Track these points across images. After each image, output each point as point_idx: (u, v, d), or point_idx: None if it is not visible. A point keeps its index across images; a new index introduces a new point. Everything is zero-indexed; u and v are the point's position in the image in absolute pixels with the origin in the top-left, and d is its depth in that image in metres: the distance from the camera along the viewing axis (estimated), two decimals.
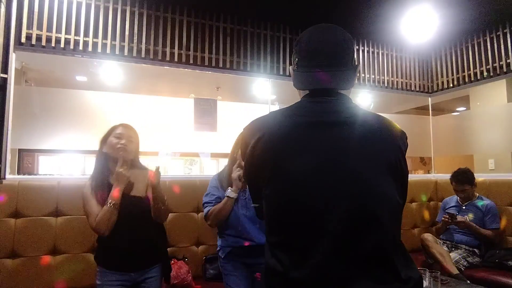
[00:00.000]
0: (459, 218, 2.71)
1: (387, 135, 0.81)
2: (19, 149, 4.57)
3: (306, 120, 0.80)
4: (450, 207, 2.98)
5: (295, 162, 0.76)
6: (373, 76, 3.59)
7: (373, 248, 0.72)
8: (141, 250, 1.71)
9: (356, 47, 3.55)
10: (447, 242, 2.85)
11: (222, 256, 1.92)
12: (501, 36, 3.18)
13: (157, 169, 1.74)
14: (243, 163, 0.94)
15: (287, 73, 3.20)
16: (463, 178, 2.84)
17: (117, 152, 1.70)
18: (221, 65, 2.99)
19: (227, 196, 1.84)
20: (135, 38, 2.69)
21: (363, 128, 0.79)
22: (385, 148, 0.79)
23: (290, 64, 3.20)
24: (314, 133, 0.78)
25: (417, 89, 3.83)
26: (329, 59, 0.84)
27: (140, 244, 1.71)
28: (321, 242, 0.72)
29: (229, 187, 1.87)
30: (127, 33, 2.66)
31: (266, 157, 0.79)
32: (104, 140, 1.77)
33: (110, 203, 1.62)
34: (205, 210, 1.94)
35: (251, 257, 1.90)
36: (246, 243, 1.87)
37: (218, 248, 1.97)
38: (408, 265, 0.77)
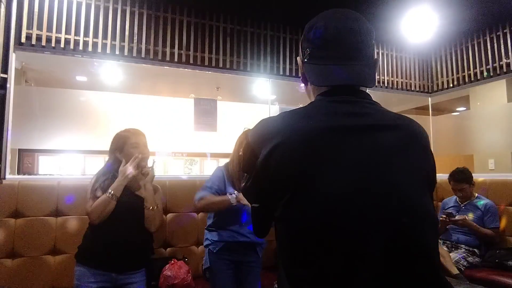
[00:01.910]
0: (457, 216, 2.71)
1: (423, 141, 0.70)
2: (19, 149, 4.56)
3: (334, 124, 0.66)
4: (449, 207, 2.98)
5: (327, 177, 0.62)
6: None
7: (422, 282, 0.61)
8: (126, 250, 1.71)
9: None
10: (447, 242, 2.85)
11: (214, 251, 1.88)
12: (501, 36, 3.18)
13: (152, 165, 1.79)
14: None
15: (287, 73, 3.20)
16: (461, 177, 2.85)
17: (140, 162, 1.79)
18: (221, 65, 2.98)
19: (230, 196, 1.82)
20: (135, 38, 2.69)
21: (400, 134, 0.67)
22: (423, 157, 0.68)
23: (284, 63, 3.21)
24: (347, 141, 0.64)
25: (417, 89, 3.83)
26: (351, 51, 0.72)
27: (127, 244, 1.72)
28: (363, 276, 0.59)
29: (235, 191, 1.85)
30: (127, 33, 2.66)
31: (287, 171, 0.64)
32: (120, 149, 1.82)
33: (110, 193, 1.66)
34: (201, 193, 1.91)
35: (242, 254, 1.89)
36: (241, 239, 1.87)
37: (208, 242, 1.93)
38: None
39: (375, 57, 0.75)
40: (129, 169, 1.73)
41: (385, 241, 0.60)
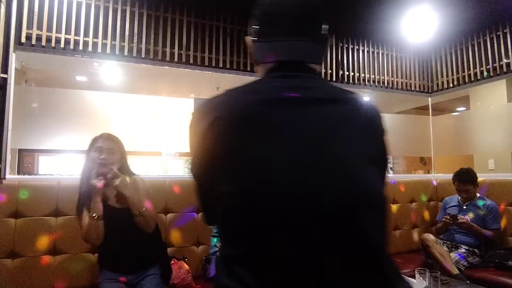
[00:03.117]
0: (460, 219, 2.71)
1: (373, 116, 0.68)
2: (19, 149, 4.57)
3: (276, 97, 0.63)
4: (451, 206, 2.98)
5: (266, 150, 0.58)
6: (373, 76, 3.59)
7: (365, 257, 0.58)
8: (134, 255, 1.77)
9: (356, 47, 3.55)
10: (447, 242, 2.85)
11: None
12: (501, 36, 3.18)
13: (115, 175, 1.71)
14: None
15: None
16: (466, 178, 2.84)
17: (98, 167, 1.73)
18: (221, 65, 2.99)
19: None
20: (135, 38, 2.69)
21: (346, 108, 0.64)
22: (369, 132, 0.65)
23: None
24: (290, 112, 0.61)
25: (417, 89, 3.83)
26: (296, 26, 0.70)
27: (133, 249, 1.76)
28: (299, 254, 0.55)
29: None
30: (127, 33, 2.66)
31: (224, 144, 0.61)
32: (88, 151, 1.80)
33: (93, 216, 1.65)
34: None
35: None
36: None
37: (216, 249, 1.92)
38: (400, 278, 0.63)
39: (327, 35, 0.73)
40: (94, 183, 1.69)
41: (320, 219, 0.56)
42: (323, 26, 0.72)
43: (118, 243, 1.72)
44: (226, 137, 0.61)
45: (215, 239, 1.93)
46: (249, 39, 0.76)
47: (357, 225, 0.57)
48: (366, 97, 0.67)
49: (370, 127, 0.66)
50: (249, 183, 0.58)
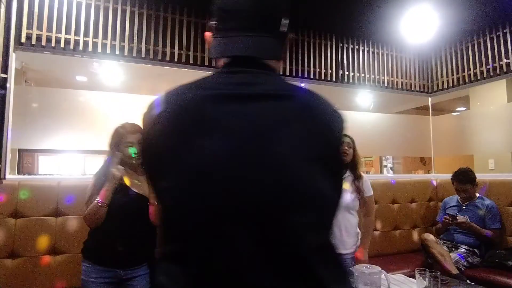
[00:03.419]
0: (460, 218, 2.71)
1: (323, 113, 0.65)
2: (19, 149, 4.57)
3: (218, 92, 0.62)
4: (450, 206, 2.98)
5: (202, 147, 0.57)
6: (373, 76, 3.59)
7: (293, 260, 0.55)
8: (130, 247, 1.73)
9: (356, 47, 3.55)
10: (447, 242, 2.85)
11: None
12: (501, 36, 3.18)
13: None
14: None
15: (287, 73, 3.20)
16: (465, 178, 2.84)
17: (133, 161, 1.78)
18: None
19: None
20: (135, 38, 2.69)
21: (293, 105, 0.62)
22: (320, 130, 0.62)
23: (284, 63, 3.21)
24: (228, 108, 0.59)
25: (417, 89, 3.83)
26: (250, 21, 0.68)
27: (131, 241, 1.73)
28: (229, 253, 0.54)
29: None
30: (127, 33, 2.66)
31: (165, 139, 0.60)
32: (116, 146, 1.80)
33: (98, 202, 1.65)
34: None
35: None
36: None
37: None
38: (341, 282, 0.61)
39: (286, 31, 0.71)
40: (113, 171, 1.70)
41: (247, 218, 0.55)
42: (282, 20, 0.71)
43: (125, 232, 1.70)
44: (167, 132, 0.60)
45: None
46: (208, 34, 0.74)
47: (285, 226, 0.55)
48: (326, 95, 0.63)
49: (319, 124, 0.62)
50: (182, 180, 0.57)
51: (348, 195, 2.10)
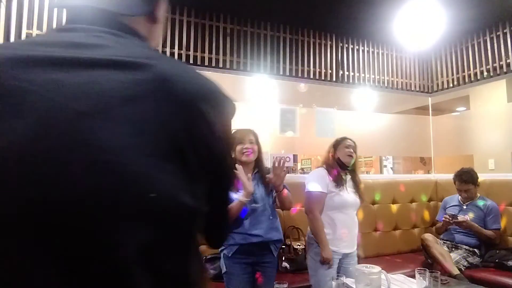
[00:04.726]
0: (460, 218, 2.71)
1: (179, 89, 0.46)
2: None
3: (32, 54, 0.44)
4: (451, 206, 2.98)
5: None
6: (373, 76, 3.59)
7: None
8: None
9: (356, 47, 3.56)
10: (448, 242, 2.85)
11: (229, 255, 1.86)
12: (501, 36, 3.18)
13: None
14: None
15: (287, 73, 3.20)
16: (467, 178, 2.84)
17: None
18: (221, 65, 2.99)
19: (240, 200, 1.77)
20: None
21: (141, 77, 0.44)
22: (173, 111, 0.45)
23: (284, 63, 3.21)
24: (42, 77, 0.42)
25: (417, 89, 3.83)
26: None
27: None
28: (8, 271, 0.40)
29: (241, 191, 1.80)
30: None
31: None
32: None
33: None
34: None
35: (258, 255, 1.88)
36: (255, 240, 1.85)
37: (222, 247, 1.91)
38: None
39: None
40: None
41: (47, 232, 0.39)
42: None
43: None
44: None
45: None
46: None
47: (100, 243, 0.40)
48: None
49: (175, 105, 0.45)
50: None
51: (351, 194, 2.12)
